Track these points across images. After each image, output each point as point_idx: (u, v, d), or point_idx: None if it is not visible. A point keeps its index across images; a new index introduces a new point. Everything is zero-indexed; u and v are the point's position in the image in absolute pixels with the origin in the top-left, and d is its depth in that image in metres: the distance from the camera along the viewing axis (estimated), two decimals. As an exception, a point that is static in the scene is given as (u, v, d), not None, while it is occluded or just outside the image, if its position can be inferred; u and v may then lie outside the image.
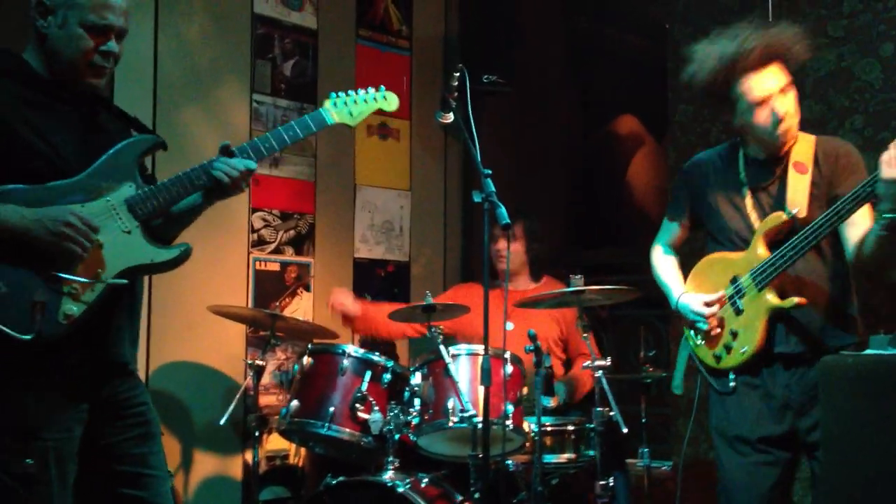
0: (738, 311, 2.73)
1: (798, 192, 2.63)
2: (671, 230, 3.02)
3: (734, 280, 2.74)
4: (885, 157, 2.39)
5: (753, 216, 2.73)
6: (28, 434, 2.17)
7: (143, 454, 2.38)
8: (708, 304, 2.76)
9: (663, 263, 3.02)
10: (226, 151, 2.41)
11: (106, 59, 2.32)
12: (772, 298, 2.64)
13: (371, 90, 2.61)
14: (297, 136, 2.45)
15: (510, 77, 4.73)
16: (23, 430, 2.17)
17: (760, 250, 2.68)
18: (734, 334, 2.73)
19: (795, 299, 2.61)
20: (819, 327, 2.65)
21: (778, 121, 2.64)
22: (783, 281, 2.65)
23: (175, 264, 2.34)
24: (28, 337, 2.09)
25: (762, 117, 2.66)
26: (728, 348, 2.74)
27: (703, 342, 2.82)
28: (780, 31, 2.69)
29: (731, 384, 2.75)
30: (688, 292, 2.85)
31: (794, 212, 2.62)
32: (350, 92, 2.56)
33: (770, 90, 2.63)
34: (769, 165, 2.73)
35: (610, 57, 5.92)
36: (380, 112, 2.66)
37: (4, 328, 2.09)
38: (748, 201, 2.74)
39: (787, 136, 2.68)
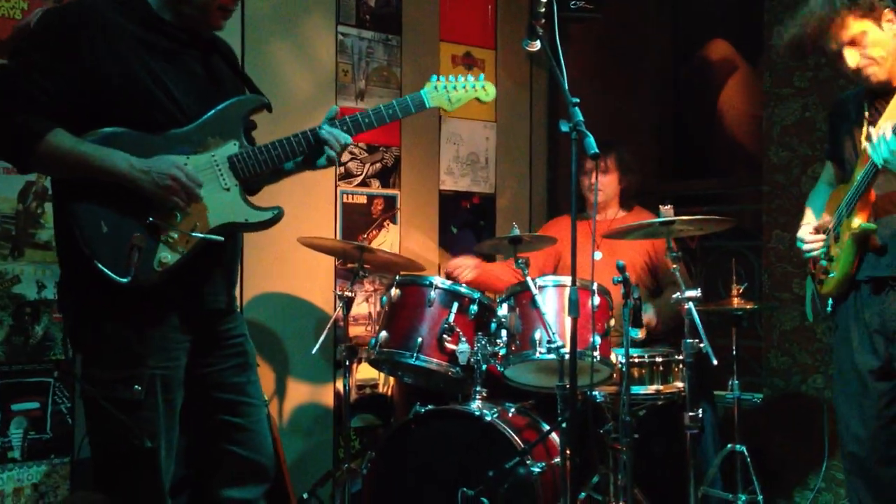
0: (837, 238, 2.74)
1: (887, 118, 2.53)
2: (827, 168, 3.02)
3: (839, 208, 2.74)
4: None
5: (862, 147, 2.67)
6: (135, 362, 2.24)
7: (241, 383, 2.46)
8: (815, 231, 2.82)
9: (810, 197, 3.02)
10: (332, 120, 2.45)
11: (234, 1, 2.35)
12: (855, 223, 2.63)
13: (471, 78, 2.64)
14: (397, 115, 2.51)
15: (598, 3, 4.60)
16: (130, 358, 2.24)
17: (857, 178, 2.65)
18: (831, 260, 2.76)
19: (863, 223, 2.60)
20: None
21: (855, 69, 2.62)
22: (874, 206, 2.62)
23: (267, 226, 2.39)
24: (125, 280, 2.15)
25: (844, 65, 2.65)
26: (826, 273, 2.79)
27: (814, 269, 2.87)
28: None
29: (829, 309, 2.81)
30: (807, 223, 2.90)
31: (873, 139, 2.53)
32: (451, 77, 2.61)
33: (840, 42, 2.61)
34: (884, 97, 2.65)
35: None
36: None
37: (104, 268, 2.16)
38: (863, 132, 2.69)
39: (873, 78, 2.62)
